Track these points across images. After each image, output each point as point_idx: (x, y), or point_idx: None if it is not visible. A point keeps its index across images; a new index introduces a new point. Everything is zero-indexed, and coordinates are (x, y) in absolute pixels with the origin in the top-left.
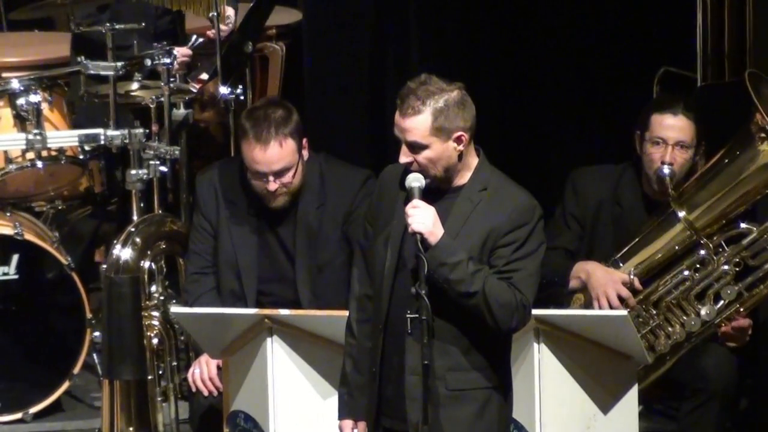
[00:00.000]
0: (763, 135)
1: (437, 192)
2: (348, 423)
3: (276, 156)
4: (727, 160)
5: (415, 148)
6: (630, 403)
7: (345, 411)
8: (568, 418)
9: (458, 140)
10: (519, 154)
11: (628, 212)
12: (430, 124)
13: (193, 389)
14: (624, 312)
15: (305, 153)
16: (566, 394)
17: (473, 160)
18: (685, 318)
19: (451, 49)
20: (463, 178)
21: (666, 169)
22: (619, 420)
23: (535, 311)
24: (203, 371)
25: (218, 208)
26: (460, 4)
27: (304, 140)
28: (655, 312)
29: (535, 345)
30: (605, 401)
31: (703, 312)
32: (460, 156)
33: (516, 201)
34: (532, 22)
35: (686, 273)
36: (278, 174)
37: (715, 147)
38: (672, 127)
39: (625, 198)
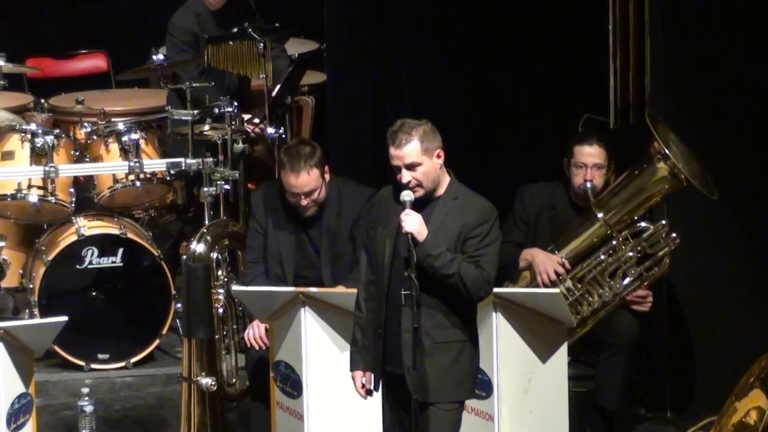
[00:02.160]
0: (659, 156)
1: (423, 202)
2: (358, 373)
3: (305, 182)
4: (634, 174)
5: (413, 167)
6: (561, 355)
7: (355, 365)
8: (517, 366)
9: (438, 156)
10: (482, 174)
11: (560, 215)
12: (419, 147)
13: (248, 345)
14: (556, 290)
15: (327, 176)
16: (515, 349)
17: (446, 178)
18: (601, 290)
19: (431, 100)
20: (440, 191)
21: (588, 185)
22: (554, 368)
23: (494, 290)
24: (255, 332)
25: (266, 215)
26: (438, 70)
27: (326, 167)
28: (579, 286)
29: (494, 314)
30: (543, 354)
31: (614, 286)
32: (441, 167)
33: (479, 206)
34: (494, 82)
35: (602, 257)
36: (307, 194)
37: (622, 169)
38: (589, 154)
39: (558, 205)
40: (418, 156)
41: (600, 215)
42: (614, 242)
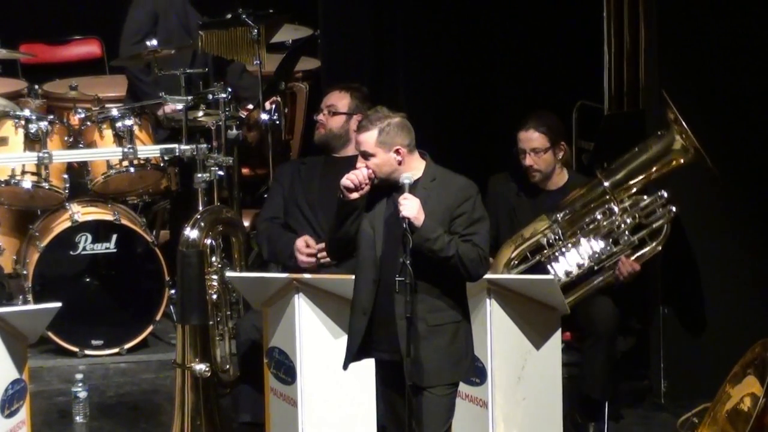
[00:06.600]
0: (675, 127)
1: (400, 189)
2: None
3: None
4: (648, 144)
5: (366, 156)
6: (555, 341)
7: None
8: (511, 352)
9: (397, 152)
10: (477, 160)
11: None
12: (375, 139)
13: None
14: (551, 277)
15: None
16: (509, 335)
17: (421, 163)
18: (589, 248)
19: (426, 86)
20: (418, 174)
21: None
22: (547, 354)
23: (487, 276)
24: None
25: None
26: (434, 56)
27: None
28: (570, 237)
29: (487, 300)
30: (537, 340)
31: (603, 248)
32: (400, 163)
33: (459, 184)
34: (489, 68)
35: (598, 216)
36: None
37: (614, 158)
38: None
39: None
40: (371, 147)
41: (606, 184)
42: (613, 205)
